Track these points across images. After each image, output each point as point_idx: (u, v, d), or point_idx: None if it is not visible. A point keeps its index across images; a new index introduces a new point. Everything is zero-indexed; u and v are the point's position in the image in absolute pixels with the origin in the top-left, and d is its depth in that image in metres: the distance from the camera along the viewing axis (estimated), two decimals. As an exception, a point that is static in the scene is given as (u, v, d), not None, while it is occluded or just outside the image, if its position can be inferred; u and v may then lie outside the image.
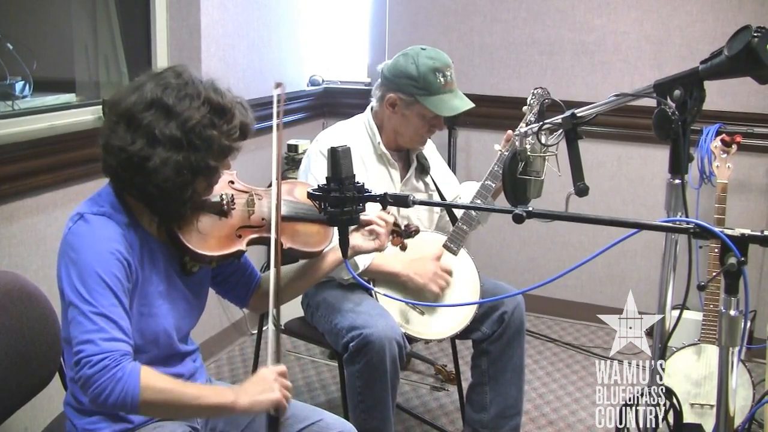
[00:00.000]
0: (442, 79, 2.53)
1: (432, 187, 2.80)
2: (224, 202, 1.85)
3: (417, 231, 2.30)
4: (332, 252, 2.08)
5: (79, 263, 1.61)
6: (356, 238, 2.09)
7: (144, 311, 1.73)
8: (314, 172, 2.58)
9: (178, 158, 1.65)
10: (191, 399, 1.61)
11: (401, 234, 2.28)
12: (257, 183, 2.03)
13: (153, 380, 1.57)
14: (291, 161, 4.01)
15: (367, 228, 2.10)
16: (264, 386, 1.68)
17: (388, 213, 2.15)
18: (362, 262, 2.45)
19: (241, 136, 1.76)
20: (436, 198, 2.78)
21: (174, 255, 1.83)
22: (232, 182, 1.96)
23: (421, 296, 2.55)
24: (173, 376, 1.83)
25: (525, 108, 2.59)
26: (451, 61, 2.59)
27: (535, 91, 2.61)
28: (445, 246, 2.61)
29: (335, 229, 1.67)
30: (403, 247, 2.33)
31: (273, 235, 1.84)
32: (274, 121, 1.90)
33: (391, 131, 2.66)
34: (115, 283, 1.61)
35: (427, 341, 2.63)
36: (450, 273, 2.59)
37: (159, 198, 1.68)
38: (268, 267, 2.09)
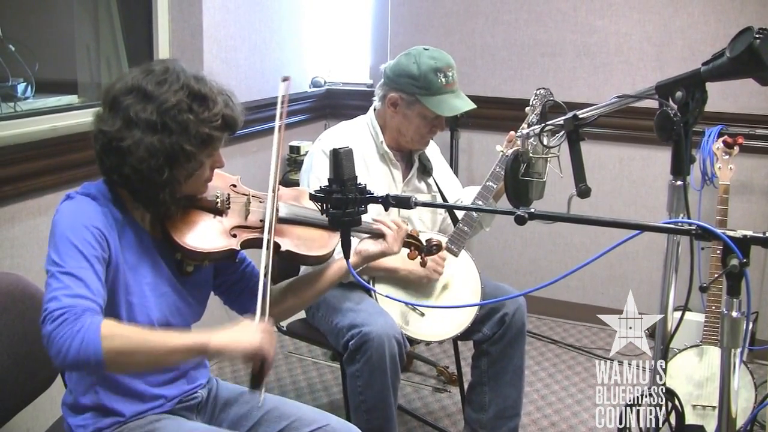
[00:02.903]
0: (443, 79, 2.53)
1: (434, 188, 2.80)
2: (218, 200, 1.85)
3: (439, 247, 2.28)
4: (338, 261, 2.05)
5: (55, 235, 1.61)
6: (365, 242, 2.09)
7: (132, 300, 1.72)
8: (317, 171, 2.58)
9: (152, 140, 1.66)
10: (159, 343, 1.54)
11: (421, 249, 2.25)
12: (259, 185, 2.02)
13: (115, 329, 1.51)
14: (293, 162, 4.01)
15: (374, 227, 2.10)
16: (244, 329, 1.63)
17: (405, 223, 2.14)
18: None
19: (225, 127, 1.75)
20: (438, 199, 2.78)
21: (168, 252, 1.82)
22: (234, 186, 1.95)
23: (425, 290, 2.55)
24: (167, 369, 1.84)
25: (527, 108, 2.59)
26: (453, 62, 2.59)
27: (538, 92, 2.60)
28: (446, 247, 2.61)
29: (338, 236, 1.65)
30: (423, 263, 2.31)
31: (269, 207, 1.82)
32: (278, 112, 1.92)
33: (393, 131, 2.66)
34: (87, 248, 1.59)
35: (427, 342, 2.63)
36: (443, 258, 2.57)
37: (137, 182, 1.69)
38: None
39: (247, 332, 1.62)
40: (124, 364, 1.55)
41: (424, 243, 2.26)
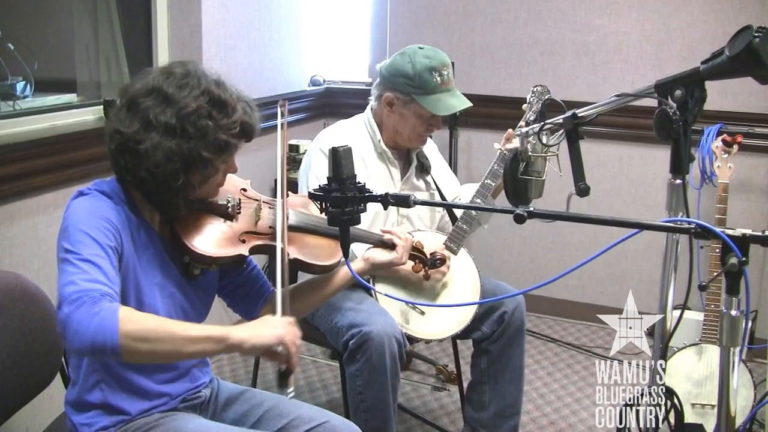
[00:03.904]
0: (438, 78, 2.53)
1: (433, 186, 2.80)
2: (229, 205, 1.85)
3: (443, 261, 2.28)
4: (343, 266, 2.05)
5: (68, 228, 1.60)
6: (374, 250, 2.09)
7: (141, 299, 1.72)
8: (315, 170, 2.58)
9: (170, 145, 1.65)
10: (180, 330, 1.52)
11: (425, 262, 2.25)
12: (257, 182, 2.02)
13: (133, 313, 1.50)
14: (292, 161, 4.01)
15: (389, 237, 2.10)
16: (266, 323, 1.61)
17: (411, 234, 2.15)
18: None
19: (242, 134, 1.75)
20: (437, 197, 2.78)
21: (176, 254, 1.83)
22: (245, 190, 1.95)
23: (424, 289, 2.56)
24: (172, 366, 1.84)
25: (525, 106, 2.60)
26: (449, 60, 2.59)
27: (535, 89, 2.60)
28: (445, 245, 2.60)
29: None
30: (426, 276, 2.30)
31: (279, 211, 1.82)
32: (279, 139, 1.91)
33: (390, 130, 2.66)
34: (102, 238, 1.58)
35: (427, 341, 2.63)
36: (447, 265, 2.57)
37: (151, 185, 1.68)
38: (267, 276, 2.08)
39: (268, 325, 1.61)
40: (141, 351, 1.48)
41: (429, 256, 2.26)
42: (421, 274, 2.31)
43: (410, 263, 2.23)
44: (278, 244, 1.79)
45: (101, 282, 1.51)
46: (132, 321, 1.46)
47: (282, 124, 1.93)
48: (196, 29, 3.40)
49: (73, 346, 1.46)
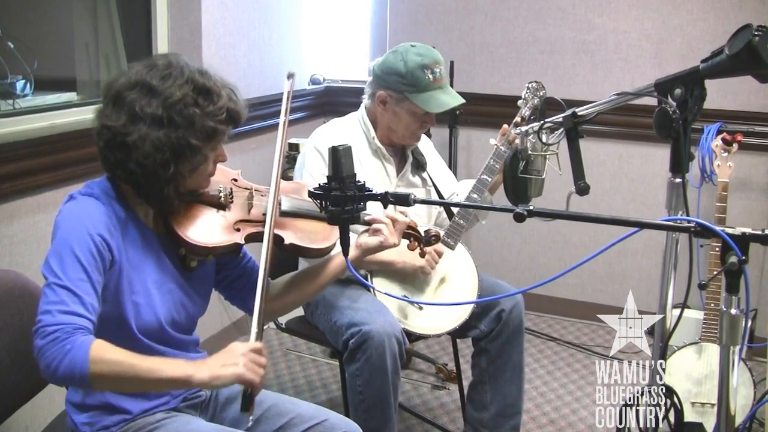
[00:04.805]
0: (430, 76, 2.53)
1: (429, 182, 2.80)
2: (221, 194, 1.86)
3: (438, 238, 2.28)
4: (339, 256, 2.04)
5: (57, 238, 1.62)
6: (363, 235, 2.09)
7: (137, 300, 1.72)
8: (310, 168, 2.58)
9: (158, 135, 1.66)
10: (145, 372, 1.54)
11: (420, 240, 2.26)
12: (259, 182, 2.03)
13: (103, 353, 1.51)
14: (291, 160, 4.01)
15: (372, 227, 2.10)
16: (227, 360, 1.60)
17: (404, 214, 2.14)
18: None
19: (229, 120, 1.76)
20: (433, 193, 2.78)
21: (172, 248, 1.83)
22: (236, 180, 1.96)
23: (422, 283, 2.55)
24: None
25: (520, 102, 2.61)
26: (441, 58, 2.59)
27: (530, 85, 2.62)
28: (442, 241, 2.60)
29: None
30: (422, 254, 2.31)
31: (270, 200, 1.83)
32: (283, 107, 1.92)
33: (384, 127, 2.67)
34: (88, 259, 1.59)
35: (424, 337, 2.63)
36: (440, 254, 2.58)
37: (141, 178, 1.69)
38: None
39: (230, 360, 1.59)
40: (109, 388, 1.66)
41: (423, 234, 2.27)
42: (416, 253, 2.31)
43: (405, 242, 2.23)
44: (263, 262, 1.78)
45: (77, 314, 1.53)
46: (101, 362, 1.50)
47: (287, 100, 1.95)
48: (195, 28, 3.40)
49: (45, 377, 1.52)
